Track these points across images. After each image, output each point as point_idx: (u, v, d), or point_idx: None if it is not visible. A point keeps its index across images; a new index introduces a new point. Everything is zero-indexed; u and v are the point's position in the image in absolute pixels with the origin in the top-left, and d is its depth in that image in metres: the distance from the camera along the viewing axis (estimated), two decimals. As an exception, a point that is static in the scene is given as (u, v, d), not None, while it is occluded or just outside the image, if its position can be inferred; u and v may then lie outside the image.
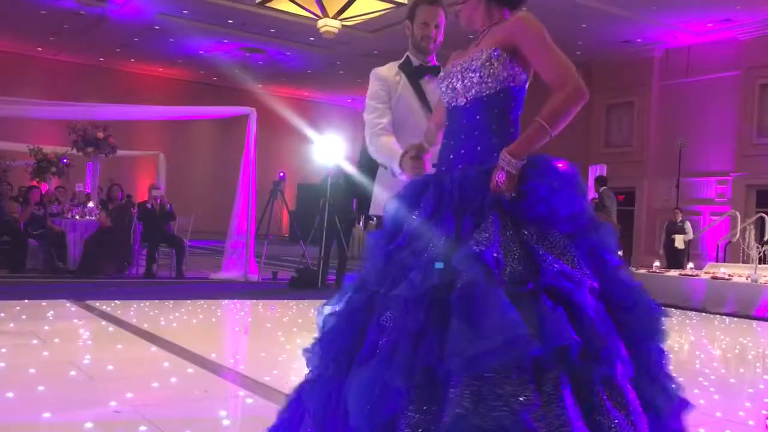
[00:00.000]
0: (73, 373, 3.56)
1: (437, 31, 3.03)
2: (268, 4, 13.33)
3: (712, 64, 14.22)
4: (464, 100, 2.13)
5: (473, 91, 2.10)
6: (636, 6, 12.65)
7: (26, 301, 6.02)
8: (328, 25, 13.65)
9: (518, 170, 1.87)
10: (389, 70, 3.12)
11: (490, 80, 2.08)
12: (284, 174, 15.68)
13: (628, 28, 13.99)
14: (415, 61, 3.09)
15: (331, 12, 13.33)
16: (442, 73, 2.26)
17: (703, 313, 8.21)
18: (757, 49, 13.42)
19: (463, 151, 2.08)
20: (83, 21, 15.17)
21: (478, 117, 2.09)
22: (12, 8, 14.40)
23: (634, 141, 15.80)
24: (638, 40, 14.70)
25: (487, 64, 2.09)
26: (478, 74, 2.09)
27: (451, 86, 2.16)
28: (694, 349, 5.81)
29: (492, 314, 1.59)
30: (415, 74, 3.08)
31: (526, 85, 2.14)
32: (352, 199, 10.17)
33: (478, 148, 2.05)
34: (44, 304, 5.95)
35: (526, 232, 1.81)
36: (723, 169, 14.10)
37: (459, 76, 2.14)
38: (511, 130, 2.07)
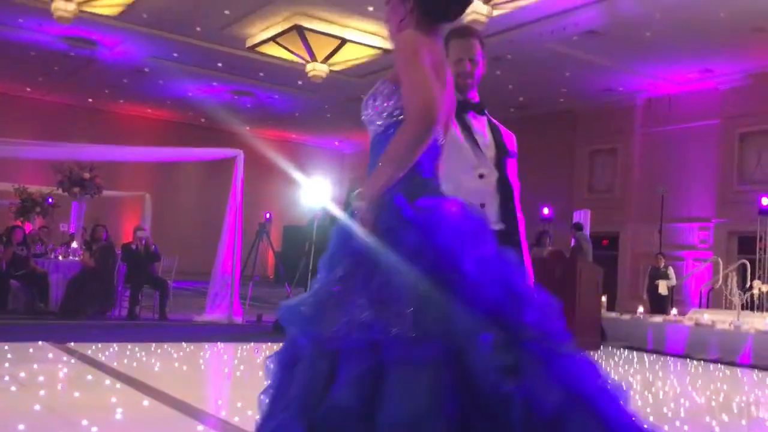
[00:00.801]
0: (48, 416, 3.51)
1: (473, 65, 2.77)
2: (257, 49, 13.51)
3: (693, 112, 14.51)
4: (371, 132, 1.98)
5: (372, 126, 1.95)
6: (618, 56, 12.94)
7: (5, 345, 5.93)
8: (317, 69, 13.83)
9: (367, 213, 1.76)
10: None
11: (379, 115, 1.92)
12: (270, 215, 15.71)
13: (610, 77, 14.29)
14: (459, 97, 2.68)
15: (320, 57, 13.52)
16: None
17: (687, 359, 8.22)
18: (736, 99, 13.73)
19: None
20: (73, 62, 15.29)
21: (372, 154, 1.95)
22: (4, 49, 14.50)
23: (617, 187, 15.99)
24: (620, 88, 15.00)
25: (378, 94, 1.92)
26: (371, 106, 1.94)
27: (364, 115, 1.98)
28: (679, 396, 5.81)
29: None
30: (457, 110, 2.70)
31: None
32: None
33: None
34: (23, 346, 5.87)
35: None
36: (705, 215, 14.27)
37: (364, 105, 1.97)
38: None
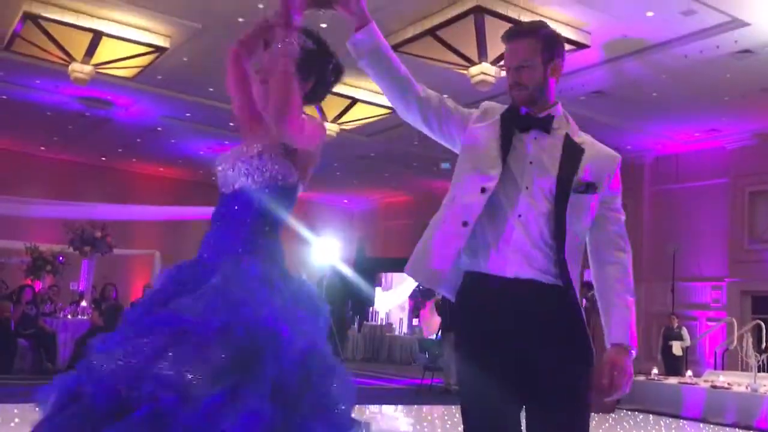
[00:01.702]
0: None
1: (518, 73, 2.33)
2: (268, 109, 13.72)
3: (701, 171, 14.55)
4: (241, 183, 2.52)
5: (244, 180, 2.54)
6: (625, 116, 13.06)
7: (12, 406, 5.87)
8: (327, 128, 14.00)
9: None
10: (493, 109, 2.45)
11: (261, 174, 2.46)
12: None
13: (617, 136, 14.38)
14: (514, 113, 2.39)
15: (330, 116, 13.70)
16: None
17: (702, 424, 8.04)
18: (744, 157, 13.78)
19: None
20: (88, 122, 15.55)
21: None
22: (21, 109, 14.79)
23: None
24: (628, 147, 15.08)
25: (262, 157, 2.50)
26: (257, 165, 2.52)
27: None
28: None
29: None
30: (514, 122, 2.35)
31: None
32: (347, 300, 10.14)
33: None
34: (30, 407, 5.80)
35: None
36: (717, 275, 14.15)
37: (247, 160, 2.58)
38: None
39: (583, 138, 2.39)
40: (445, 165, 7.57)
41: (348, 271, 8.66)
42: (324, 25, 4.25)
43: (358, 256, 16.14)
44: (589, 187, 2.27)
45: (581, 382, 2.19)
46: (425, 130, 2.54)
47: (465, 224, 2.21)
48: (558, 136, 2.33)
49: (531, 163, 2.26)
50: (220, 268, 2.25)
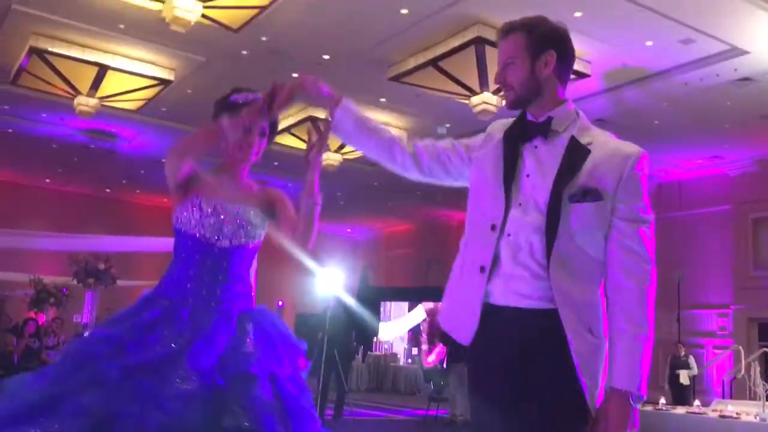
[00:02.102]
0: None
1: (504, 73, 2.14)
2: (272, 139, 13.81)
3: (704, 198, 14.55)
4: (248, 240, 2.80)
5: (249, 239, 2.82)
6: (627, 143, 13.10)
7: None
8: (330, 158, 14.07)
9: None
10: (498, 128, 2.24)
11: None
12: (283, 303, 15.65)
13: (620, 164, 14.43)
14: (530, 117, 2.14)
15: (333, 146, 13.77)
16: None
17: (713, 454, 7.93)
18: (747, 184, 13.79)
19: None
20: (92, 154, 15.65)
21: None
22: (27, 142, 14.91)
23: (633, 272, 15.87)
24: (631, 174, 15.12)
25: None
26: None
27: None
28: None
29: None
30: (514, 134, 2.13)
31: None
32: (351, 331, 10.11)
33: None
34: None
35: None
36: (722, 302, 14.07)
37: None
38: None
39: (593, 136, 2.05)
40: (440, 130, 7.59)
41: (352, 302, 8.62)
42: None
43: (361, 285, 16.12)
44: (588, 194, 1.95)
45: None
46: (436, 182, 2.34)
47: (482, 270, 2.00)
48: (561, 140, 2.04)
49: (528, 176, 2.03)
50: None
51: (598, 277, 2.00)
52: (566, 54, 2.10)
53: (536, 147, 2.06)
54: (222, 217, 2.58)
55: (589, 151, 2.00)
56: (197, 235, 2.62)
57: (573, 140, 2.02)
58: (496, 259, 1.99)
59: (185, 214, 2.64)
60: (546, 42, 2.07)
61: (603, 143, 2.04)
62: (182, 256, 2.63)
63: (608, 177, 1.98)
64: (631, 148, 2.05)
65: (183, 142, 2.77)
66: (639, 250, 1.98)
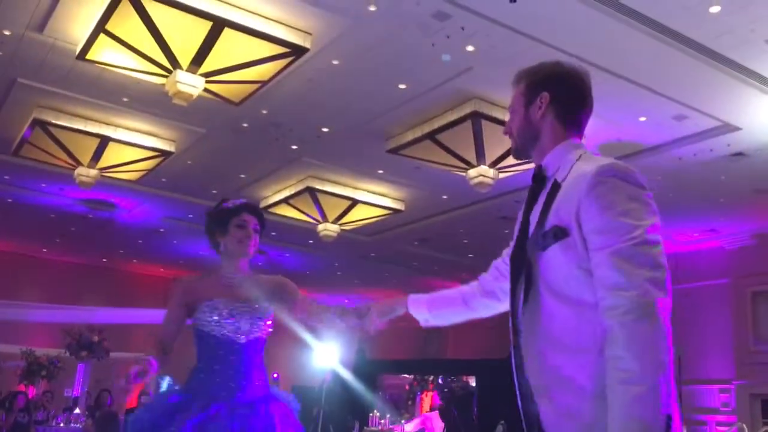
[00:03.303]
0: None
1: (508, 122, 2.11)
2: (270, 209, 13.87)
3: (701, 272, 14.52)
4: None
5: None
6: (623, 216, 13.18)
7: None
8: (328, 229, 14.10)
9: None
10: None
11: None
12: (278, 376, 15.37)
13: (617, 236, 14.46)
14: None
15: (331, 217, 13.83)
16: None
17: None
18: (744, 258, 13.79)
19: None
20: (90, 223, 15.68)
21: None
22: (25, 211, 14.94)
23: (632, 346, 15.69)
24: (628, 247, 15.13)
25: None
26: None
27: None
28: None
29: None
30: (528, 194, 1.97)
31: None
32: (347, 406, 9.90)
33: None
34: None
35: None
36: (724, 377, 13.86)
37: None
38: None
39: (578, 168, 1.81)
40: (445, 57, 7.55)
41: (348, 375, 8.48)
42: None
43: (358, 358, 15.88)
44: (548, 237, 1.72)
45: None
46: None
47: (515, 347, 1.81)
48: (548, 187, 1.86)
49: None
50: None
51: (577, 341, 1.67)
52: (562, 93, 1.97)
53: (536, 202, 1.87)
54: (238, 316, 2.96)
55: (560, 186, 1.80)
56: (219, 335, 2.96)
57: (555, 183, 1.83)
58: None
59: (205, 317, 2.97)
60: (539, 85, 1.99)
61: (576, 175, 1.79)
62: (206, 355, 2.97)
63: (569, 207, 1.73)
64: (594, 164, 1.77)
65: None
66: (611, 278, 1.61)
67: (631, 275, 1.61)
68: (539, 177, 1.91)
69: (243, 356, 2.96)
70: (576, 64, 2.05)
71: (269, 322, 3.13)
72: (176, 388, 3.00)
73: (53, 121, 10.02)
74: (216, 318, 2.96)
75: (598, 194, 1.68)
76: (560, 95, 1.96)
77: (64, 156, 10.94)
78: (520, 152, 2.05)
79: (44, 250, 18.53)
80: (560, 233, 1.69)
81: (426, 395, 16.16)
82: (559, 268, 1.69)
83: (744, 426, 10.11)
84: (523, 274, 1.73)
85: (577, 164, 1.83)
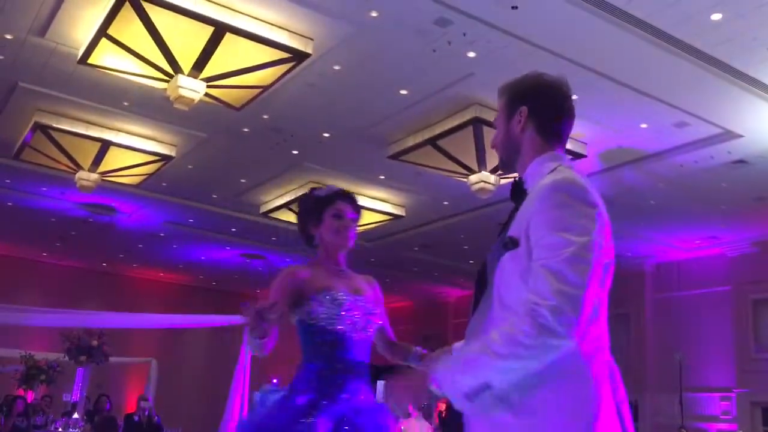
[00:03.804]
0: None
1: (495, 134, 2.15)
2: (271, 215, 13.86)
3: (702, 279, 14.50)
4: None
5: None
6: (624, 223, 13.15)
7: None
8: (329, 235, 14.07)
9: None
10: None
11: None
12: (278, 381, 15.34)
13: (617, 242, 14.29)
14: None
15: (332, 223, 13.79)
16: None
17: None
18: (745, 265, 13.77)
19: None
20: (91, 228, 15.67)
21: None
22: (26, 215, 14.94)
23: (632, 353, 15.64)
24: (628, 254, 15.10)
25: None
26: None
27: None
28: None
29: None
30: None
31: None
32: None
33: None
34: None
35: None
36: (725, 385, 13.82)
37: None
38: None
39: (539, 184, 1.81)
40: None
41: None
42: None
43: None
44: (502, 247, 1.78)
45: None
46: None
47: None
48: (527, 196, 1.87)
49: None
50: None
51: None
52: (540, 106, 1.99)
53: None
54: (358, 311, 2.66)
55: (524, 199, 1.84)
56: (338, 330, 2.65)
57: (526, 194, 1.86)
58: None
59: (323, 309, 2.64)
60: (518, 99, 2.02)
61: (540, 185, 1.80)
62: (323, 352, 2.66)
63: (522, 219, 1.77)
64: (551, 179, 1.78)
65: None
66: (534, 285, 1.61)
67: (551, 288, 1.58)
68: (518, 189, 1.93)
69: (364, 354, 2.70)
70: (557, 76, 2.05)
71: (379, 322, 2.83)
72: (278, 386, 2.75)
73: (54, 125, 10.03)
74: (335, 310, 2.67)
75: (546, 208, 1.70)
76: (538, 108, 1.98)
77: (64, 160, 10.94)
78: (505, 165, 2.09)
79: (44, 254, 18.52)
80: (511, 244, 1.74)
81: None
82: (507, 278, 1.74)
83: (745, 434, 10.09)
84: (478, 283, 1.81)
85: (547, 177, 1.83)
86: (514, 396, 1.60)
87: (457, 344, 2.16)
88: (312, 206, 2.91)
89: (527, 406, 1.61)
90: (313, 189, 3.05)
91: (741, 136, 9.29)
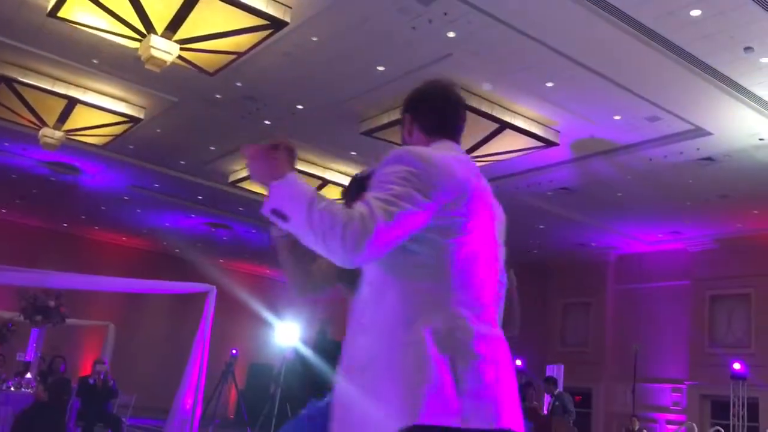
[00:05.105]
0: None
1: None
2: (239, 184, 13.70)
3: (663, 272, 14.76)
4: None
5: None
6: (590, 213, 13.31)
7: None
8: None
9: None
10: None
11: None
12: (237, 351, 15.25)
13: (583, 232, 14.61)
14: None
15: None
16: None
17: None
18: (705, 261, 14.04)
19: None
20: (53, 187, 15.34)
21: None
22: (-16, 170, 14.56)
23: (591, 342, 15.92)
24: (593, 244, 15.30)
25: None
26: None
27: None
28: None
29: None
30: None
31: None
32: (306, 384, 9.85)
33: None
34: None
35: None
36: (677, 377, 14.14)
37: None
38: None
39: None
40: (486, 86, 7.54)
41: (309, 354, 8.41)
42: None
43: (319, 338, 15.86)
44: None
45: None
46: None
47: None
48: None
49: None
50: None
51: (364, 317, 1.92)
52: (420, 109, 2.21)
53: None
54: None
55: None
56: None
57: None
58: None
59: None
60: (404, 110, 2.24)
61: None
62: None
63: None
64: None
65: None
66: (360, 202, 1.79)
67: (369, 202, 1.75)
68: None
69: None
70: (442, 79, 2.30)
71: None
72: None
73: (20, 79, 9.74)
74: None
75: (382, 164, 1.91)
76: (419, 111, 2.22)
77: (28, 115, 10.64)
78: None
79: (3, 210, 18.10)
80: None
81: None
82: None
83: (693, 425, 10.35)
84: None
85: None
86: None
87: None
88: (357, 188, 2.82)
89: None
90: (357, 174, 3.03)
91: (711, 133, 9.40)
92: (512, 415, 1.79)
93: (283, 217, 1.77)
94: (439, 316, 1.79)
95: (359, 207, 1.74)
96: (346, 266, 1.75)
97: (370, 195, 1.79)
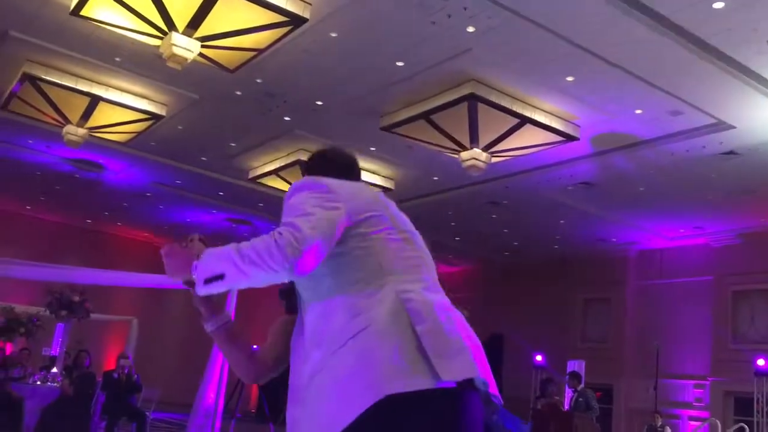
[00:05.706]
0: None
1: None
2: (259, 180, 13.78)
3: (685, 268, 14.61)
4: None
5: None
6: (611, 208, 13.22)
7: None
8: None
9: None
10: None
11: None
12: (258, 347, 15.38)
13: (603, 228, 14.51)
14: None
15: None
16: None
17: None
18: (728, 256, 13.87)
19: None
20: (77, 183, 15.53)
21: None
22: (10, 167, 14.76)
23: (611, 338, 15.81)
24: (613, 239, 15.19)
25: None
26: None
27: None
28: None
29: None
30: None
31: None
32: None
33: None
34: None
35: None
36: (700, 373, 14.02)
37: None
38: None
39: None
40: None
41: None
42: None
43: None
44: None
45: None
46: None
47: None
48: None
49: None
50: None
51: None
52: (313, 167, 2.33)
53: None
54: None
55: None
56: None
57: None
58: None
59: None
60: (303, 172, 2.43)
61: None
62: None
63: None
64: None
65: None
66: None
67: (286, 222, 1.85)
68: None
69: None
70: (336, 148, 2.44)
71: None
72: None
73: (43, 77, 9.86)
74: None
75: (284, 204, 1.98)
76: (312, 170, 2.31)
77: (52, 113, 10.79)
78: None
79: (28, 207, 18.36)
80: None
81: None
82: None
83: (717, 422, 10.26)
84: None
85: None
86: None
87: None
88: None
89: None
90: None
91: (734, 127, 9.29)
92: (486, 369, 1.80)
93: (220, 277, 1.80)
94: (384, 297, 1.81)
95: (280, 228, 1.81)
96: (294, 277, 1.80)
97: (284, 220, 1.87)
